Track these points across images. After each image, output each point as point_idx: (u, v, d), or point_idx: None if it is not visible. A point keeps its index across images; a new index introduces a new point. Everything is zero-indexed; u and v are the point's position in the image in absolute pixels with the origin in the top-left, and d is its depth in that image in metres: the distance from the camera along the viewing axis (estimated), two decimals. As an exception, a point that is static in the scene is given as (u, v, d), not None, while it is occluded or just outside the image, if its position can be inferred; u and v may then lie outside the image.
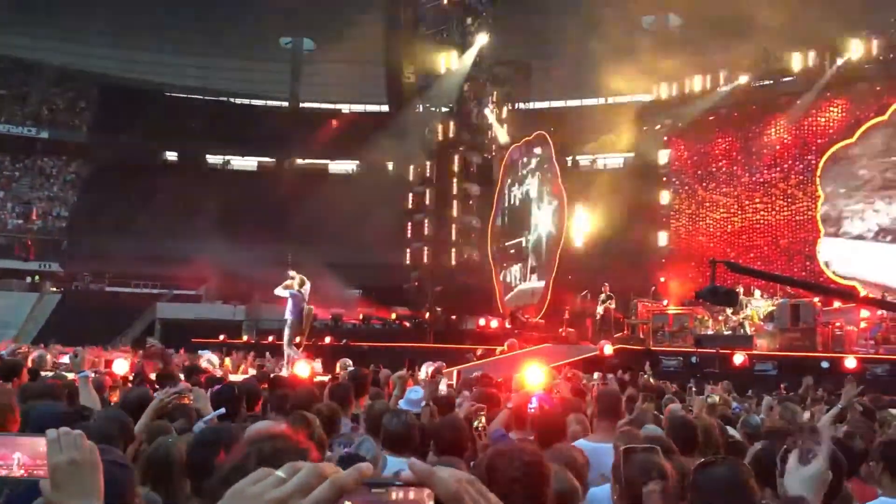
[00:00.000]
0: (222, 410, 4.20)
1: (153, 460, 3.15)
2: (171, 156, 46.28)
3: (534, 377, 6.46)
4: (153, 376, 7.83)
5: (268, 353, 18.56)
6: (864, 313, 19.83)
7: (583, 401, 6.71)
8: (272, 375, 8.63)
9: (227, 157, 46.83)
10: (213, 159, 46.78)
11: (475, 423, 4.48)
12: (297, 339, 14.66)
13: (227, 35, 41.47)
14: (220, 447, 2.73)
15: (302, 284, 14.50)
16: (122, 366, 6.80)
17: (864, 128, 23.69)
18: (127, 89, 44.32)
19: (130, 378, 7.89)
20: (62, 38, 42.32)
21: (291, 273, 14.81)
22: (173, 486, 3.05)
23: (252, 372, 13.30)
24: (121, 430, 3.40)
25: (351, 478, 0.87)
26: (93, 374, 5.30)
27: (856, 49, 23.64)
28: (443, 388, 4.93)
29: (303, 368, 9.17)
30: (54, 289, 38.11)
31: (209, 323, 29.92)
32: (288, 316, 14.40)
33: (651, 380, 12.39)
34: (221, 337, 26.13)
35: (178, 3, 40.87)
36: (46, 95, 46.15)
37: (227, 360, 16.40)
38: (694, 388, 11.67)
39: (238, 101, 47.60)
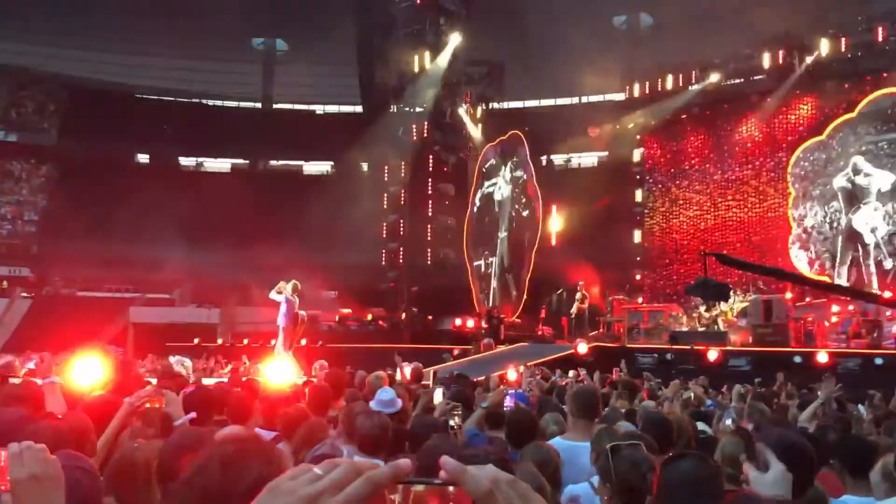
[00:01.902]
0: (193, 414, 4.15)
1: (118, 467, 3.08)
2: (143, 158, 45.75)
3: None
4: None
5: (244, 357, 18.40)
6: (835, 308, 20.15)
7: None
8: (244, 380, 8.53)
9: (200, 160, 46.38)
10: (185, 161, 46.31)
11: (450, 423, 4.46)
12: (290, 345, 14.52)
13: (199, 36, 41.08)
14: (191, 452, 2.68)
15: (295, 290, 14.38)
16: (87, 375, 6.58)
17: (833, 124, 24.06)
18: (97, 91, 43.71)
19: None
20: (30, 41, 41.69)
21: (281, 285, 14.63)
22: (139, 493, 2.99)
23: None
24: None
25: (386, 475, 0.87)
26: (59, 380, 5.21)
27: (824, 47, 23.97)
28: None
29: (277, 372, 9.06)
30: (25, 294, 37.51)
31: (183, 327, 29.62)
32: (281, 322, 14.24)
33: (626, 377, 12.44)
34: (196, 340, 25.89)
35: (149, 4, 40.44)
36: (15, 98, 45.41)
37: (202, 363, 16.27)
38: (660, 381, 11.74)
39: (210, 102, 47.14)
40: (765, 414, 6.22)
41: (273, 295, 14.37)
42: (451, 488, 0.88)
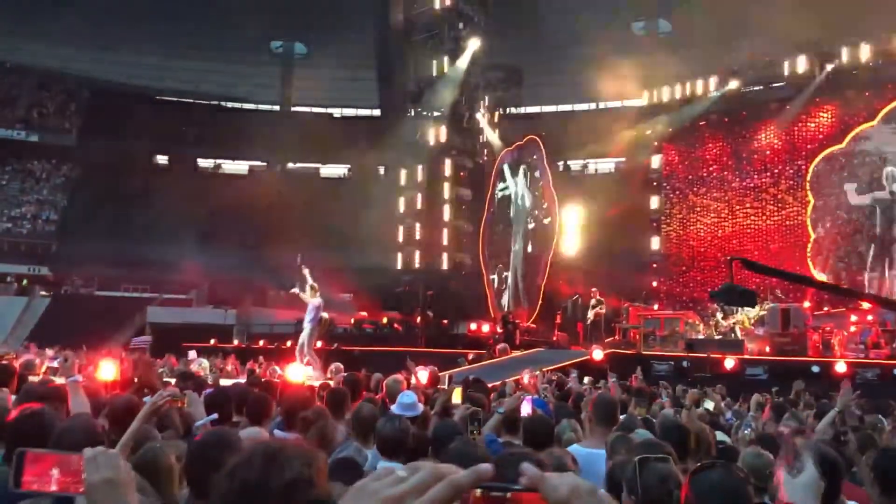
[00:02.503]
0: (215, 416, 4.17)
1: (140, 466, 3.11)
2: (162, 159, 46.13)
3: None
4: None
5: (261, 357, 18.49)
6: (853, 317, 19.99)
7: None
8: (263, 380, 8.58)
9: (219, 161, 46.71)
10: (204, 163, 46.66)
11: (470, 428, 4.46)
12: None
13: (219, 39, 41.40)
14: (223, 450, 2.70)
15: (315, 291, 14.48)
16: (108, 370, 6.73)
17: (853, 133, 23.88)
18: (117, 93, 44.14)
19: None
20: (52, 42, 42.15)
21: (306, 273, 14.71)
22: (161, 492, 3.02)
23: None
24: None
25: (468, 479, 0.89)
26: (82, 379, 5.26)
27: (845, 55, 23.80)
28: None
29: (295, 373, 9.12)
30: (44, 293, 37.86)
31: (200, 327, 29.75)
32: (308, 323, 14.35)
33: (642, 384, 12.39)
34: (212, 341, 26.01)
35: (170, 7, 40.79)
36: (36, 99, 45.93)
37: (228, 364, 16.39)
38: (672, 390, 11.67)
39: (229, 104, 47.48)
40: (804, 424, 6.18)
41: (304, 296, 14.38)
42: (508, 494, 0.89)
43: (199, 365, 12.15)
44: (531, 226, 29.95)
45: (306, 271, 14.72)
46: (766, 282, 20.87)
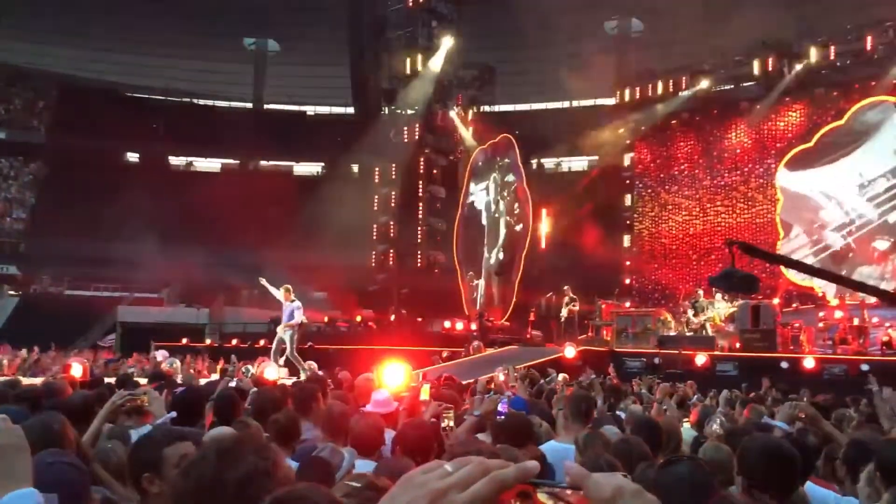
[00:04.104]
0: (174, 414, 4.13)
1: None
2: (133, 157, 45.53)
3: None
4: (113, 380, 7.71)
5: (233, 356, 18.33)
6: (821, 314, 20.29)
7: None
8: (233, 381, 8.52)
9: (190, 159, 46.22)
10: (175, 161, 46.13)
11: (443, 424, 4.46)
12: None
13: (191, 35, 40.94)
14: (152, 450, 2.64)
15: (289, 293, 14.46)
16: (78, 369, 6.72)
17: (821, 132, 24.22)
18: (87, 89, 43.50)
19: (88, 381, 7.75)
20: (21, 37, 41.46)
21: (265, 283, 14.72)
22: (113, 492, 2.98)
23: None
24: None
25: (513, 475, 0.89)
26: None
27: (814, 55, 24.11)
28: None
29: (271, 372, 9.08)
30: (12, 292, 37.27)
31: (171, 326, 29.47)
32: (286, 326, 14.35)
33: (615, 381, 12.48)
34: (184, 340, 25.78)
35: (142, 3, 40.29)
36: (4, 95, 45.14)
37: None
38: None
39: (201, 101, 46.97)
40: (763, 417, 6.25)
41: (286, 300, 14.30)
42: (535, 490, 0.89)
43: (171, 365, 12.05)
44: (504, 224, 30.03)
45: (264, 281, 14.75)
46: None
